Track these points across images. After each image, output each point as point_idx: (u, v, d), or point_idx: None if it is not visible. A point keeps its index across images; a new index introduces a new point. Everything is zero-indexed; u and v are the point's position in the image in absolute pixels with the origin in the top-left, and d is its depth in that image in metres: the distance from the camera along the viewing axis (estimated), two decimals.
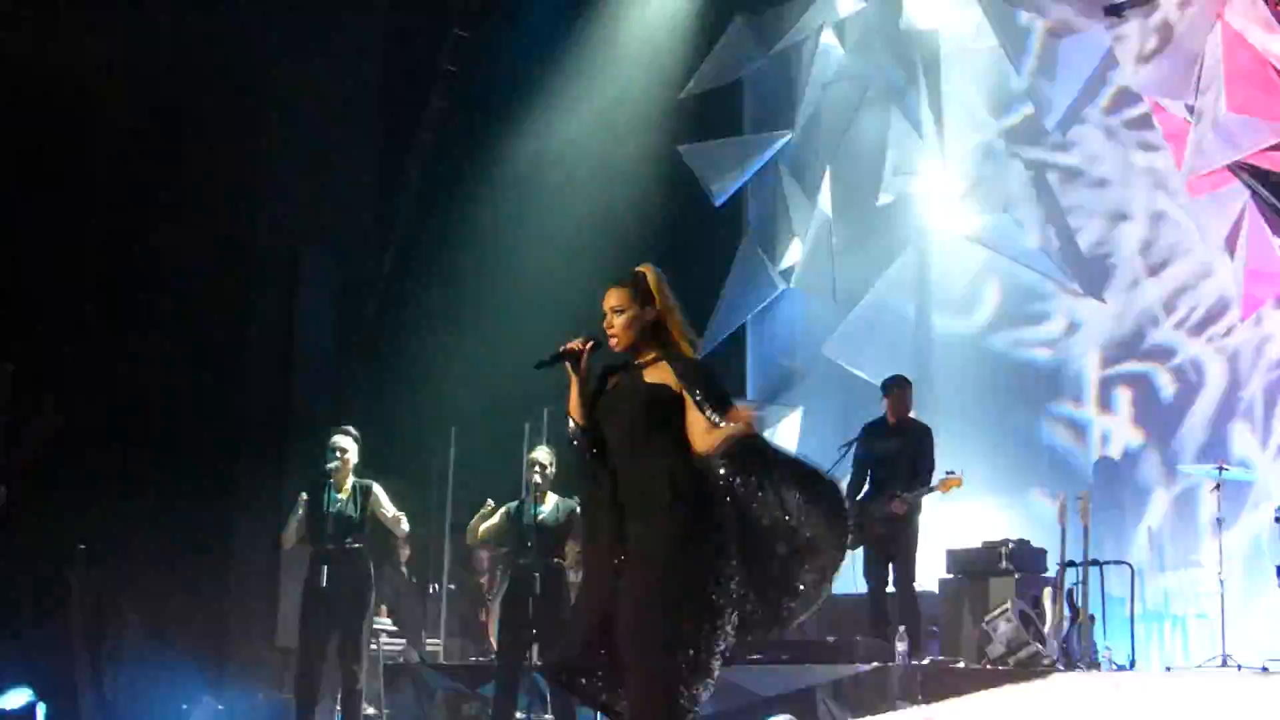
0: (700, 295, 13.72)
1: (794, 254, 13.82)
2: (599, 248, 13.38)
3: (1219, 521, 9.90)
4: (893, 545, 10.35)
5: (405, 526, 9.63)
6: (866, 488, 10.57)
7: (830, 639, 10.49)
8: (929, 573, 11.04)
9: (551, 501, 9.48)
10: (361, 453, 9.57)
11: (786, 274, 13.86)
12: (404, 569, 12.83)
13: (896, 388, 10.70)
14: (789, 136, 13.94)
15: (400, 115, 13.98)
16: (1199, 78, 10.85)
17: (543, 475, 9.47)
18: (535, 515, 9.39)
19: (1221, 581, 9.75)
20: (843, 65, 13.76)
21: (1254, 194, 10.76)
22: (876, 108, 13.34)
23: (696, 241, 13.59)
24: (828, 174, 13.61)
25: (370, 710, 10.36)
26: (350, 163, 13.41)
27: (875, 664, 9.52)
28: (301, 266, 13.12)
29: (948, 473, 10.31)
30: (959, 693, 8.60)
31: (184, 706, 10.89)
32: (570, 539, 9.62)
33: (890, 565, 10.41)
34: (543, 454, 9.62)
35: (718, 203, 13.81)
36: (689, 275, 13.43)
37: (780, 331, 14.12)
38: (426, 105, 13.93)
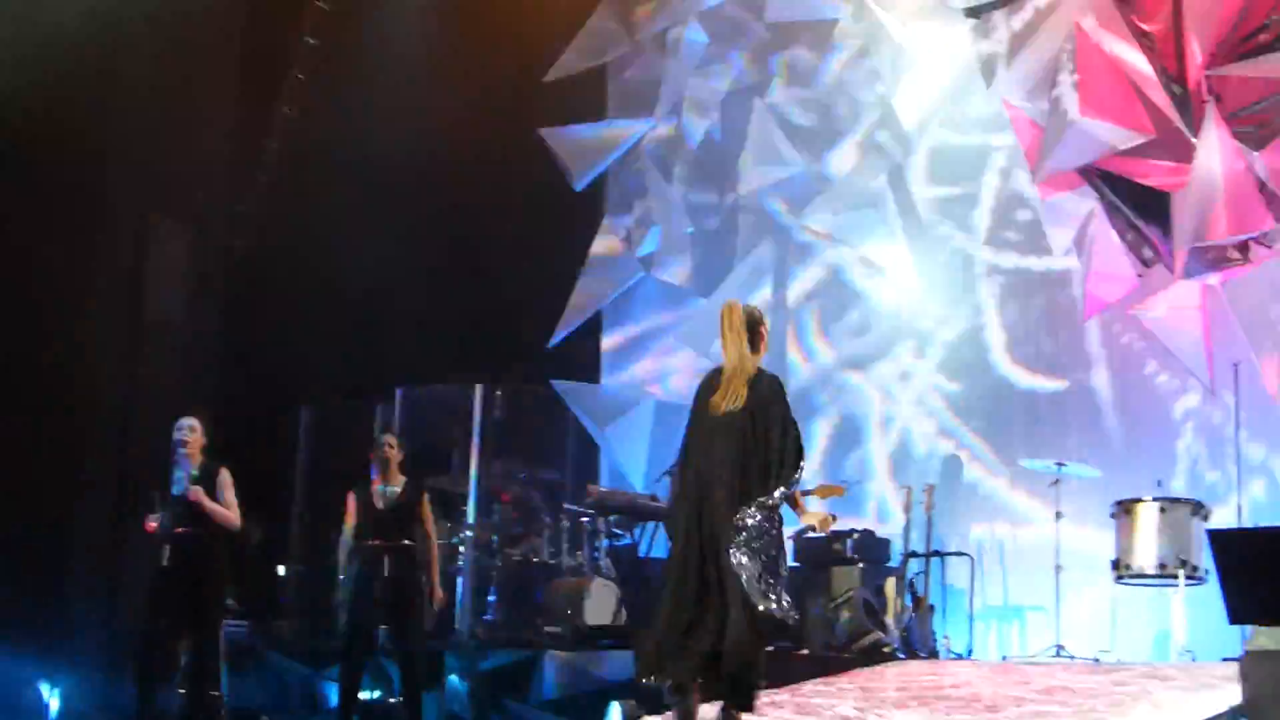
0: (557, 280, 13.72)
1: (652, 241, 13.85)
2: (458, 229, 13.33)
3: (1057, 515, 10.16)
4: None
5: (236, 524, 9.35)
6: None
7: None
8: None
9: (400, 481, 9.42)
10: (210, 433, 9.39)
11: (645, 261, 13.89)
12: (252, 548, 12.65)
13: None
14: (651, 124, 13.97)
15: (259, 86, 13.75)
16: (1054, 82, 11.09)
17: (392, 455, 9.40)
18: (385, 495, 9.33)
19: (1058, 574, 10.01)
20: (707, 55, 13.81)
21: (1102, 198, 11.04)
22: (739, 98, 13.41)
23: (555, 226, 13.58)
24: (688, 163, 13.67)
25: (213, 692, 10.18)
26: (208, 132, 13.17)
27: None
28: (152, 237, 12.84)
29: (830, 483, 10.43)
30: (803, 679, 8.71)
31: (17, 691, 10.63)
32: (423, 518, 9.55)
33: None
34: (393, 434, 9.56)
35: (578, 187, 13.80)
36: (546, 260, 13.55)
37: (637, 318, 14.15)
38: (286, 77, 13.74)
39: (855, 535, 10.80)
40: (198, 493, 8.99)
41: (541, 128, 13.64)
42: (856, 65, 12.86)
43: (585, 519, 11.63)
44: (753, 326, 6.87)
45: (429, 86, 13.35)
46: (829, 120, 13.09)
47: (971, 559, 10.68)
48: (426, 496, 9.56)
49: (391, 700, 9.82)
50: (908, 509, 10.47)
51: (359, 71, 13.68)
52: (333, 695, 10.01)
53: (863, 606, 9.89)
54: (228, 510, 9.13)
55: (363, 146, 13.36)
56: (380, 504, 9.35)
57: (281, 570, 12.71)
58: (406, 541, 9.35)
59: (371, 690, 9.87)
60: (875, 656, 9.46)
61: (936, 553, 10.43)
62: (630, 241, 14.01)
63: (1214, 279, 10.63)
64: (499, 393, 12.09)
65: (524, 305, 13.43)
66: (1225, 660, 8.26)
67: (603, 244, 14.05)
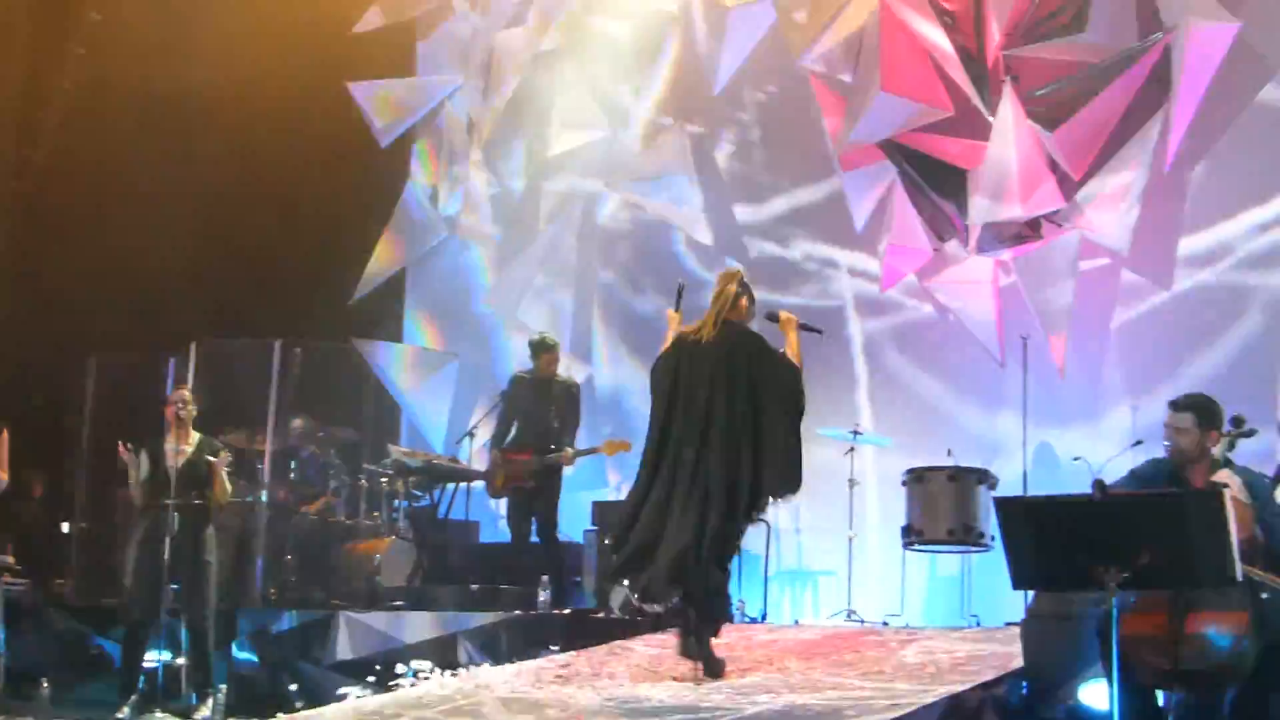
0: (361, 237, 13.52)
1: (458, 201, 13.73)
2: (262, 180, 13.01)
3: (851, 483, 10.36)
4: (539, 498, 10.44)
5: (4, 481, 9.06)
6: (512, 438, 10.58)
7: (475, 587, 10.54)
8: (575, 524, 11.19)
9: (194, 439, 9.20)
10: None
11: (450, 221, 13.77)
12: (35, 504, 12.27)
13: (542, 350, 10.67)
14: (461, 82, 13.83)
15: (51, 23, 13.23)
16: (859, 56, 11.25)
17: (185, 412, 9.17)
18: (177, 453, 9.10)
19: (851, 541, 10.21)
20: (518, 14, 13.71)
21: (902, 172, 11.25)
22: (549, 60, 13.34)
23: (360, 182, 13.36)
24: (497, 123, 13.56)
25: None
26: None
27: (518, 612, 9.61)
28: None
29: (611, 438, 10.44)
30: (598, 641, 8.75)
31: None
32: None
33: (533, 517, 10.51)
34: (187, 391, 9.33)
35: (384, 144, 13.61)
36: (350, 216, 13.33)
37: (441, 278, 14.02)
38: (80, 15, 13.24)
39: None
40: None
41: (350, 81, 13.41)
42: (663, 31, 12.88)
43: (384, 479, 11.51)
44: (739, 293, 7.62)
45: (233, 31, 12.96)
46: (636, 86, 13.09)
47: (767, 524, 10.81)
48: (223, 454, 9.34)
49: (180, 662, 9.57)
50: None
51: (159, 12, 13.25)
52: (118, 656, 9.73)
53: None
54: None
55: (162, 91, 12.94)
56: (172, 461, 9.12)
57: (65, 528, 12.31)
58: (198, 501, 9.14)
59: (159, 651, 9.61)
60: (672, 620, 9.53)
61: None
62: (436, 200, 13.87)
63: (1006, 255, 10.92)
64: (298, 350, 11.86)
65: (327, 261, 13.20)
66: (1008, 625, 8.53)
67: (408, 202, 13.88)
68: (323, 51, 13.22)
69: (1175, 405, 6.21)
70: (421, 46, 14.24)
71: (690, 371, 7.49)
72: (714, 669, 7.33)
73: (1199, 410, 6.13)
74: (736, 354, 7.44)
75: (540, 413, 10.49)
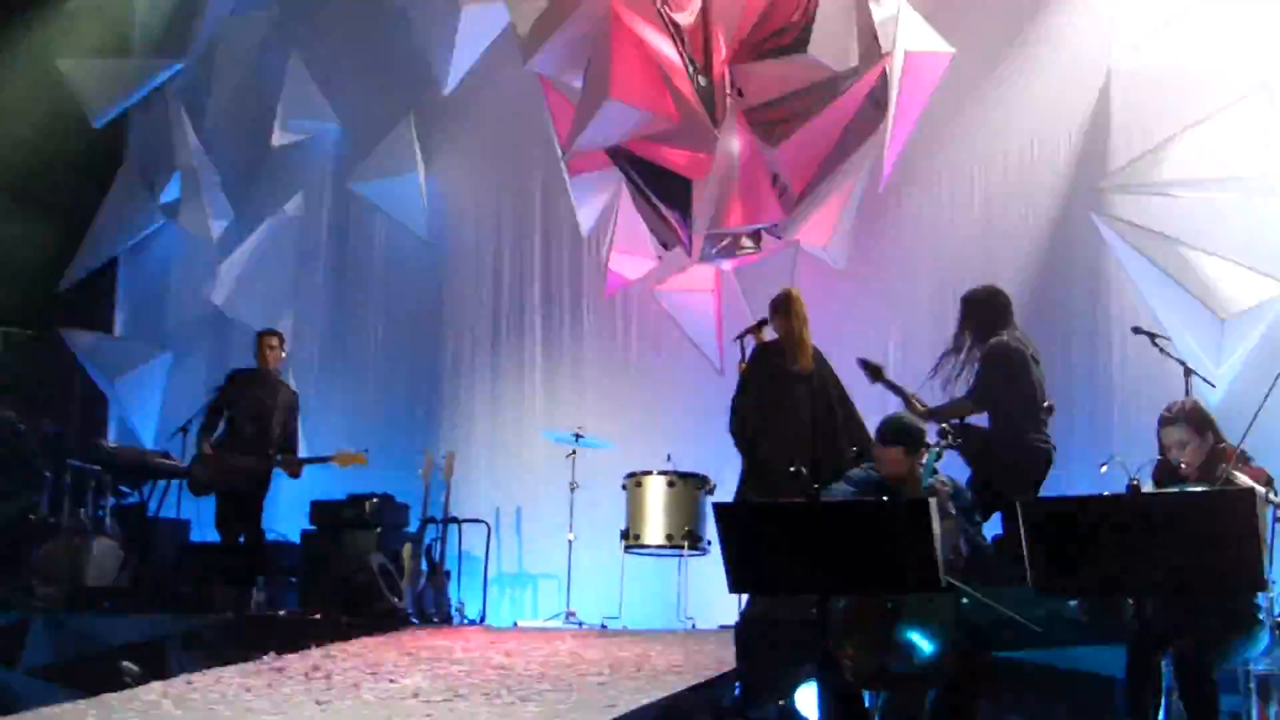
0: (70, 222, 13.04)
1: (176, 189, 13.32)
2: None
3: (572, 486, 10.45)
4: (251, 499, 10.19)
5: None
6: (220, 434, 10.28)
7: (185, 588, 10.26)
8: (292, 523, 10.99)
9: None
10: None
11: (169, 208, 13.35)
12: None
13: (266, 345, 10.42)
14: (181, 64, 13.44)
15: None
16: (588, 62, 11.33)
17: None
18: None
19: (570, 543, 10.30)
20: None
21: (628, 179, 11.38)
22: (276, 48, 13.07)
23: (70, 163, 12.86)
24: (220, 109, 13.21)
25: None
26: None
27: (230, 614, 9.39)
28: None
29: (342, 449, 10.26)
30: (314, 643, 8.62)
31: None
32: None
33: (243, 518, 10.24)
34: None
35: (97, 125, 13.13)
36: (58, 199, 12.80)
37: (156, 268, 13.59)
38: None
39: (375, 499, 10.76)
40: None
41: (60, 58, 12.90)
42: (397, 25, 12.76)
43: (90, 475, 11.09)
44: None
45: None
46: (364, 77, 12.94)
47: (488, 526, 10.84)
48: None
49: None
50: (427, 475, 10.52)
51: None
52: None
53: (379, 571, 9.87)
54: None
55: None
56: None
57: None
58: None
59: None
60: (389, 622, 9.47)
61: (454, 519, 10.54)
62: (152, 186, 13.44)
63: (727, 265, 11.15)
64: None
65: (34, 245, 12.65)
66: (722, 627, 8.72)
67: (122, 186, 13.41)
68: (32, 26, 12.71)
69: (883, 440, 6.50)
70: (139, 24, 13.79)
71: None
72: None
73: (905, 439, 6.43)
74: None
75: (262, 411, 10.21)
